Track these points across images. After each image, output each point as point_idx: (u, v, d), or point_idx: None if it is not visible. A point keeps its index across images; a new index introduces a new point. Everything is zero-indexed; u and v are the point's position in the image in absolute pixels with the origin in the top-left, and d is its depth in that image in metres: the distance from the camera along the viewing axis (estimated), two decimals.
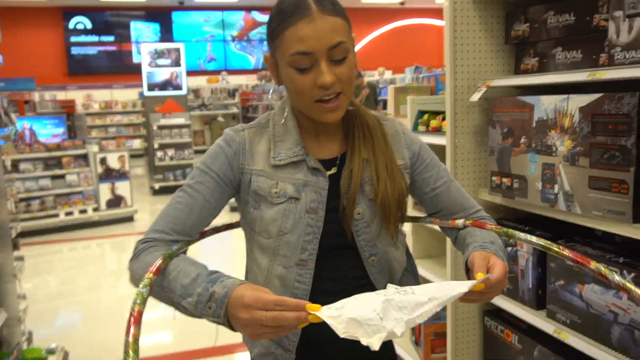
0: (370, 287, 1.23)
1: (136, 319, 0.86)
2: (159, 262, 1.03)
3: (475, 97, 2.17)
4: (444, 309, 2.70)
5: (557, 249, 1.12)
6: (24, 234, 6.45)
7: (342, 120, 1.23)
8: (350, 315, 0.88)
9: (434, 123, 2.66)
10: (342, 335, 0.87)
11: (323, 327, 1.18)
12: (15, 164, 6.57)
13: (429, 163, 1.30)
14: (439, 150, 2.49)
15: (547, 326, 1.98)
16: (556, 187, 1.87)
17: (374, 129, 1.25)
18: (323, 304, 1.17)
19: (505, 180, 2.10)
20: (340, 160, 1.23)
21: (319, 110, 1.14)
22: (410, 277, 1.33)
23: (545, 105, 1.88)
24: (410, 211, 1.40)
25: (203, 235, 1.23)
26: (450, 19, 2.23)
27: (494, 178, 2.16)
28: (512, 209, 2.27)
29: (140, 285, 0.95)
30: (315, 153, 1.23)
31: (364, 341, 0.87)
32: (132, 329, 0.83)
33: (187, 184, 1.19)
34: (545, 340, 2.06)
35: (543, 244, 1.14)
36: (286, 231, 1.16)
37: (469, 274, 1.14)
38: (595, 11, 1.84)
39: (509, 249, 2.15)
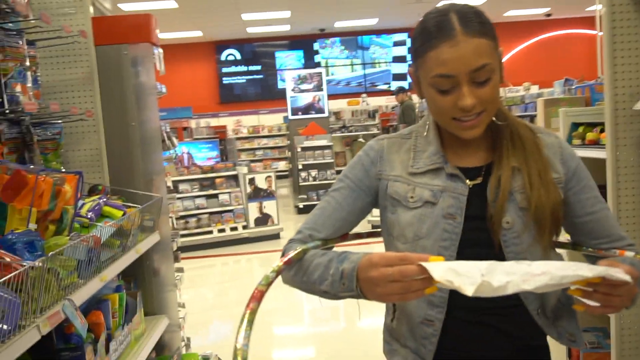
0: (519, 307, 1.16)
1: (256, 296, 0.99)
2: (291, 254, 1.14)
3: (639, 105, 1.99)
4: (607, 337, 2.46)
5: None
6: (182, 248, 6.98)
7: (490, 129, 1.20)
8: (452, 266, 0.90)
9: (590, 136, 2.48)
10: (436, 278, 0.89)
11: (459, 344, 1.14)
12: (175, 185, 7.17)
13: (586, 184, 1.22)
14: (598, 164, 2.31)
15: None
16: None
17: (525, 138, 1.20)
18: (462, 317, 1.16)
19: None
20: (486, 169, 1.20)
21: (457, 127, 1.14)
22: (565, 312, 1.21)
23: None
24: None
25: (344, 238, 1.29)
26: (608, 24, 2.07)
27: None
28: None
29: (270, 270, 1.07)
30: (457, 162, 1.21)
31: (456, 283, 0.88)
32: (251, 304, 0.97)
33: (327, 193, 1.30)
34: None
35: None
36: (422, 236, 1.16)
37: None
38: None
39: None
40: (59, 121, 2.44)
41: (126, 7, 10.75)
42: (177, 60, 15.42)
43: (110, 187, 2.60)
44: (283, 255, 1.19)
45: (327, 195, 1.29)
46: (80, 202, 2.01)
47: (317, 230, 1.24)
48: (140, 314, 2.46)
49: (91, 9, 2.65)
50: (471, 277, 0.88)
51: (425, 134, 1.24)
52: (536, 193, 1.13)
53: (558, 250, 1.25)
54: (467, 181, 1.18)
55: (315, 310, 4.92)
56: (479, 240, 1.15)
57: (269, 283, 1.04)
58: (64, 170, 2.30)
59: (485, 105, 1.10)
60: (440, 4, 1.12)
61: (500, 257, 1.14)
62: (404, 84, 12.94)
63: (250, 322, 0.94)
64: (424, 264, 0.92)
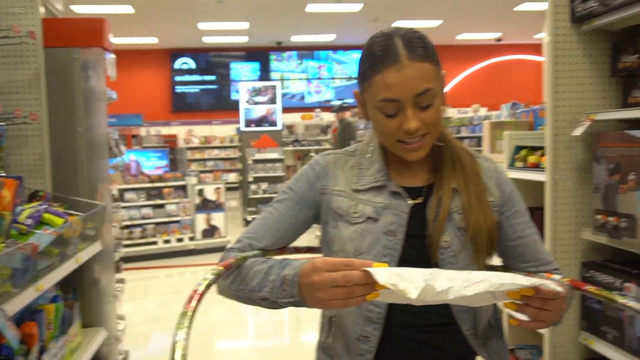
0: (453, 326, 1.18)
1: (195, 297, 0.98)
2: (230, 260, 1.13)
3: (578, 131, 2.08)
4: (540, 354, 2.54)
5: None
6: (125, 259, 6.81)
7: (432, 152, 1.24)
8: (396, 271, 0.91)
9: (532, 159, 2.56)
10: (381, 283, 0.90)
11: (397, 353, 1.15)
12: (121, 193, 7.00)
13: (518, 209, 1.27)
14: (538, 187, 2.40)
15: None
16: None
17: (465, 161, 1.24)
18: (399, 334, 1.16)
19: (611, 219, 1.97)
20: (427, 189, 1.23)
21: (402, 149, 1.16)
22: (494, 333, 1.26)
23: None
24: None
25: (282, 251, 1.29)
26: (552, 52, 2.16)
27: (598, 217, 2.03)
28: (619, 250, 2.13)
29: (209, 273, 1.06)
30: (399, 181, 1.24)
31: (401, 287, 0.88)
32: (190, 303, 0.96)
33: (270, 204, 1.30)
34: None
35: None
36: (362, 251, 1.17)
37: None
38: None
39: (615, 292, 2.00)
40: (2, 123, 2.35)
41: (79, 10, 10.50)
42: (129, 65, 15.13)
43: (52, 194, 2.52)
44: (220, 261, 1.19)
45: (270, 205, 1.29)
46: (19, 208, 1.94)
47: (257, 240, 1.24)
48: (77, 325, 2.38)
49: (42, 10, 2.59)
50: (415, 281, 0.89)
51: (369, 154, 1.27)
52: (474, 214, 1.17)
53: None
54: (409, 200, 1.21)
55: (259, 324, 4.87)
56: (417, 258, 1.17)
57: (208, 285, 1.03)
58: (4, 174, 2.22)
59: (429, 128, 1.13)
60: (395, 24, 1.16)
61: None
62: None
63: (190, 320, 0.92)
64: (368, 269, 0.92)
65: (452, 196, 1.19)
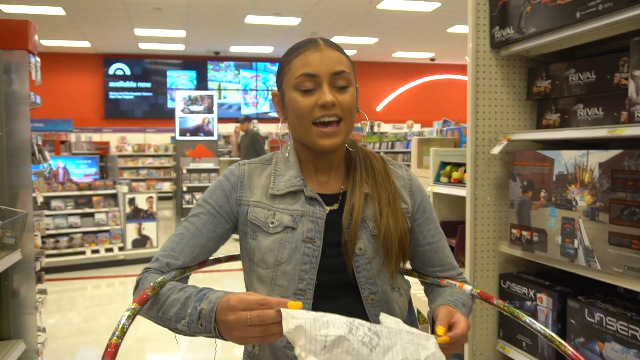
0: None
1: (111, 352, 0.89)
2: (146, 291, 1.06)
3: (496, 149, 2.19)
4: None
5: (559, 343, 1.10)
6: (50, 269, 6.54)
7: (345, 158, 1.29)
8: (304, 325, 0.91)
9: (455, 175, 2.67)
10: (284, 333, 0.91)
11: None
12: (47, 201, 6.73)
13: (429, 216, 1.33)
14: (460, 201, 2.50)
15: None
16: (576, 242, 1.86)
17: (376, 167, 1.28)
18: None
19: (525, 233, 2.09)
20: (342, 196, 1.26)
21: (317, 134, 1.19)
22: None
23: (566, 159, 1.89)
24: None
25: (202, 264, 1.27)
26: (472, 74, 2.27)
27: (513, 231, 2.15)
28: (532, 262, 2.25)
29: (124, 317, 0.97)
30: (316, 188, 1.26)
31: (297, 351, 0.89)
32: None
33: (185, 218, 1.27)
34: None
35: (545, 334, 1.14)
36: (283, 261, 1.18)
37: (433, 325, 1.15)
38: (615, 70, 1.86)
39: (528, 303, 2.12)
40: None
41: (8, 9, 10.08)
42: (60, 69, 14.64)
43: None
44: (137, 287, 1.16)
45: (186, 220, 1.26)
46: None
47: (175, 258, 1.21)
48: None
49: None
50: (313, 350, 0.90)
51: (287, 154, 1.28)
52: (385, 221, 1.20)
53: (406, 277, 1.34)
54: (326, 206, 1.23)
55: (191, 337, 4.79)
56: (335, 266, 1.20)
57: (123, 333, 0.94)
58: None
59: (344, 113, 1.19)
60: (332, 39, 1.24)
61: (353, 281, 1.20)
62: None
63: None
64: (282, 309, 0.93)
65: (366, 203, 1.22)
